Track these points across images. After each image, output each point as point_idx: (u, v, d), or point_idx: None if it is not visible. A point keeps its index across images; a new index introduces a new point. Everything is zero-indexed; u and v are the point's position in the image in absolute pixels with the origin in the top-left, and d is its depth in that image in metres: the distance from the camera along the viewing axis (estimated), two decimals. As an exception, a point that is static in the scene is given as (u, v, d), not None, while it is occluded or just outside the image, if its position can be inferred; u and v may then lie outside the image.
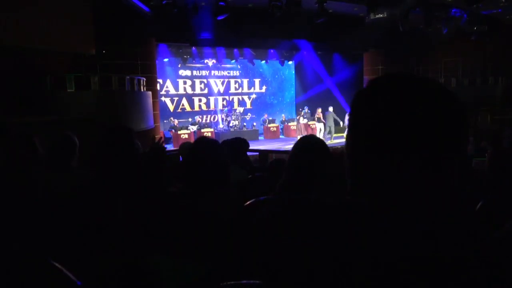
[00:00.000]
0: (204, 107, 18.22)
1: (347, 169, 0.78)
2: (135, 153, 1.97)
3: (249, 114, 19.12)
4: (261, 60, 18.38)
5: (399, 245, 0.64)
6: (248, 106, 19.36)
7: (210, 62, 17.90)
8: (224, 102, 18.50)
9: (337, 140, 15.67)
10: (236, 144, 3.66)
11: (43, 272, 0.66)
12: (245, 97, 19.43)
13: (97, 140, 1.98)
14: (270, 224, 1.25)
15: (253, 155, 7.68)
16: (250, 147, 6.63)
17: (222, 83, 18.70)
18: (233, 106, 18.40)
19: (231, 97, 18.88)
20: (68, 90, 8.76)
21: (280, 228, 1.04)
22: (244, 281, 0.64)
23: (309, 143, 1.49)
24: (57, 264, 0.72)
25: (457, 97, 0.70)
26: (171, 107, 17.34)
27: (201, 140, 1.94)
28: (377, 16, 11.49)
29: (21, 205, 1.84)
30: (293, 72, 20.24)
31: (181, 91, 17.67)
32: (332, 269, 0.65)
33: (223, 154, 1.83)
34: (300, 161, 1.43)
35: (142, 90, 10.56)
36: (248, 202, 1.54)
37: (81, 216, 1.78)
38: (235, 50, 16.75)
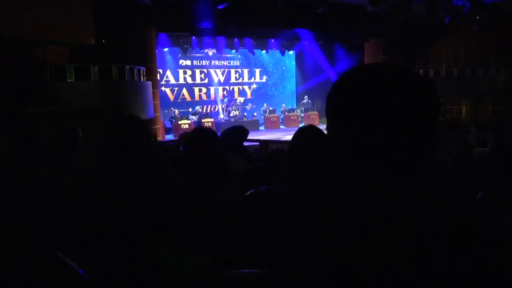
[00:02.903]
0: (204, 97, 18.19)
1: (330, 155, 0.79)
2: (144, 145, 1.96)
3: (249, 104, 19.08)
4: (262, 50, 18.29)
5: (394, 238, 0.64)
6: (249, 96, 19.31)
7: (211, 51, 17.82)
8: (225, 92, 18.46)
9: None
10: (233, 133, 3.61)
11: (45, 261, 0.67)
12: (246, 87, 19.37)
13: (105, 130, 1.96)
14: (274, 216, 1.26)
15: (253, 145, 7.69)
16: (251, 137, 6.64)
17: (223, 73, 18.64)
18: (233, 96, 18.37)
19: (231, 87, 18.83)
20: (68, 80, 8.74)
21: (284, 220, 1.05)
22: (245, 270, 0.65)
23: (309, 133, 1.49)
24: (59, 254, 0.72)
25: (428, 81, 0.70)
26: (171, 97, 17.31)
27: (197, 131, 1.92)
28: (378, 5, 11.39)
29: (20, 198, 1.84)
30: (294, 62, 20.16)
31: (181, 81, 17.62)
32: (333, 262, 0.66)
33: (219, 144, 1.83)
34: (299, 151, 1.42)
35: (142, 80, 10.53)
36: (248, 192, 1.54)
37: (83, 209, 1.79)
38: (236, 39, 16.65)
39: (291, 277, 0.60)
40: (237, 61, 18.96)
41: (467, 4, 12.54)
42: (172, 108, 16.09)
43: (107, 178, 1.86)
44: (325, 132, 1.52)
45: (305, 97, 18.48)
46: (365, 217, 0.67)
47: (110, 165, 1.90)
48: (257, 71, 19.56)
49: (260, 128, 17.03)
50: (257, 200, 1.47)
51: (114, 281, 1.48)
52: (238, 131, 3.64)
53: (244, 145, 4.06)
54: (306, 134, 1.52)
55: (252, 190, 1.61)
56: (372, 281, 0.61)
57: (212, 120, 16.00)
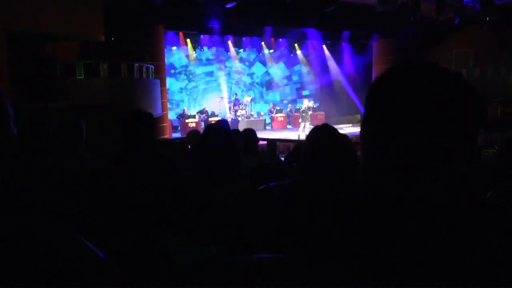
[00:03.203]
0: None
1: (361, 153, 0.80)
2: (154, 138, 2.00)
3: (256, 103, 19.08)
4: (269, 49, 18.28)
5: (413, 229, 0.66)
6: (256, 95, 19.31)
7: (218, 50, 17.84)
8: (231, 91, 18.49)
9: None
10: (248, 136, 3.67)
11: (67, 244, 0.69)
12: (252, 86, 19.38)
13: (115, 124, 2.00)
14: (286, 209, 1.27)
15: (260, 144, 7.69)
16: (258, 136, 6.67)
17: (230, 72, 18.66)
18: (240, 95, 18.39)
19: (238, 86, 18.84)
20: (78, 77, 8.82)
21: (297, 213, 1.06)
22: (257, 255, 0.66)
23: (326, 129, 1.51)
24: (81, 238, 0.74)
25: (475, 88, 0.72)
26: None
27: (212, 127, 1.92)
28: (387, 5, 11.34)
29: (30, 189, 1.86)
30: (302, 61, 20.13)
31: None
32: (347, 249, 0.67)
33: (234, 142, 1.83)
34: (318, 147, 1.44)
35: (150, 77, 10.59)
36: (261, 187, 1.56)
37: (93, 200, 1.81)
38: (244, 38, 16.67)
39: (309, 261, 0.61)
40: (245, 60, 18.97)
41: (477, 5, 12.44)
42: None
43: (117, 170, 1.88)
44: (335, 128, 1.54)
45: (312, 97, 18.45)
46: (396, 212, 0.68)
47: (121, 157, 1.93)
48: (265, 70, 19.56)
49: (267, 127, 17.04)
50: (268, 193, 1.48)
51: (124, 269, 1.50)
52: (252, 134, 3.72)
53: (257, 148, 4.11)
54: (322, 132, 1.53)
55: (263, 186, 1.62)
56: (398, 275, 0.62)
57: (219, 119, 16.01)
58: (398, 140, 0.69)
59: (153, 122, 2.04)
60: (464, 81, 0.72)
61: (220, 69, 18.31)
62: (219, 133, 1.76)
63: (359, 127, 0.82)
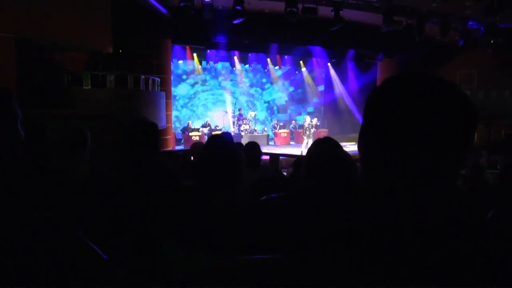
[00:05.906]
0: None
1: (360, 165, 0.81)
2: (157, 146, 2.01)
3: (260, 118, 19.14)
4: (275, 66, 18.44)
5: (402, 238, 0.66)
6: (260, 110, 19.39)
7: (224, 65, 18.01)
8: (236, 106, 18.58)
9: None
10: (251, 149, 3.66)
11: (74, 243, 0.70)
12: (257, 102, 19.47)
13: (119, 132, 2.02)
14: (287, 219, 1.29)
15: (263, 159, 7.69)
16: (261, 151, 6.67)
17: (235, 87, 18.78)
18: (244, 110, 18.45)
19: (243, 101, 18.94)
20: (85, 87, 8.89)
21: (296, 221, 1.07)
22: (257, 256, 0.67)
23: (329, 142, 1.53)
24: (80, 233, 0.75)
25: (470, 99, 0.73)
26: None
27: (215, 138, 1.93)
28: (392, 25, 11.46)
29: (36, 191, 1.87)
30: (306, 78, 20.25)
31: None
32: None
33: (237, 155, 1.85)
34: (318, 161, 1.45)
35: (156, 90, 10.68)
36: (261, 198, 1.57)
37: (94, 204, 1.82)
38: (250, 54, 16.83)
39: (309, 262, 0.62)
40: (250, 76, 19.12)
41: (482, 28, 12.56)
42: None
43: (119, 177, 1.89)
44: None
45: (315, 115, 18.49)
46: (391, 217, 0.69)
47: (123, 164, 1.94)
48: (269, 86, 19.68)
49: (270, 143, 17.06)
50: (269, 203, 1.49)
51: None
52: (255, 148, 3.71)
53: (260, 161, 4.10)
54: (322, 146, 1.54)
55: (264, 197, 1.63)
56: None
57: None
58: (399, 151, 0.70)
59: (157, 131, 2.06)
60: (459, 90, 0.72)
61: (225, 84, 18.44)
62: (221, 143, 1.77)
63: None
